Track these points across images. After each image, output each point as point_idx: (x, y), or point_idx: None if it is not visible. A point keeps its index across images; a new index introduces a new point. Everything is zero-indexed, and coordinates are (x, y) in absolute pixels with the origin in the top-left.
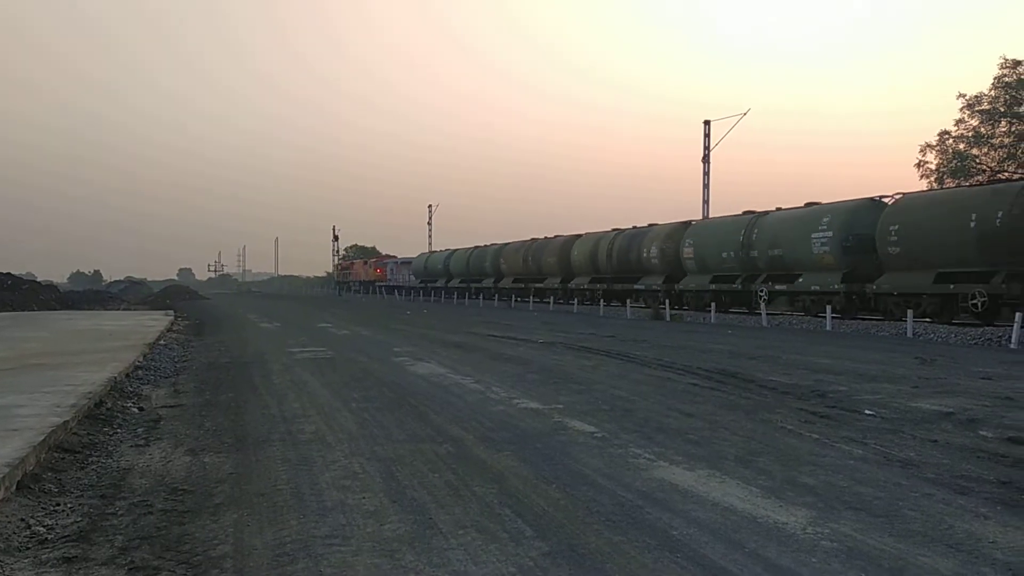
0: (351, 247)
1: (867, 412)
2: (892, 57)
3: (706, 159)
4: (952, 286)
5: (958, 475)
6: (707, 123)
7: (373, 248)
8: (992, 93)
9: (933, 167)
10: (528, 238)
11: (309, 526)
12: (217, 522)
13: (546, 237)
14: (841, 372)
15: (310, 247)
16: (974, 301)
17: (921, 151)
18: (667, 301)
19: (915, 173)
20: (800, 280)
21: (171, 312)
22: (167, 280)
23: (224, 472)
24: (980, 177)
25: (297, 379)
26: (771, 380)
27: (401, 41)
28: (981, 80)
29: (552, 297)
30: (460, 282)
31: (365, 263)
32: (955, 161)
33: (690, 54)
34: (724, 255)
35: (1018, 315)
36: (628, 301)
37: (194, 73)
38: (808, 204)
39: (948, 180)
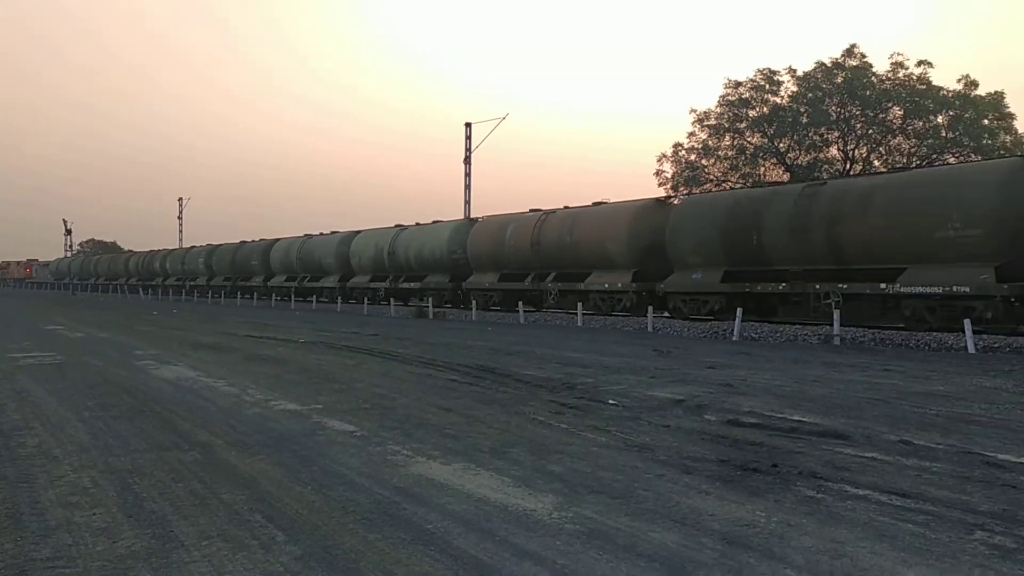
0: (88, 241)
1: (611, 402)
2: (638, 75)
3: (467, 160)
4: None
5: (686, 456)
6: (468, 125)
7: (114, 243)
8: (718, 110)
9: (669, 175)
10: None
11: (28, 549)
12: None
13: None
14: (589, 365)
15: (37, 243)
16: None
17: (659, 160)
18: (430, 300)
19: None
20: (427, 279)
21: None
22: None
23: None
24: (709, 185)
25: (18, 388)
26: (526, 374)
27: (167, 38)
28: (710, 97)
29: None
30: (78, 279)
31: (19, 264)
32: (687, 171)
33: (454, 59)
34: (378, 257)
35: (739, 311)
36: (366, 299)
37: None
38: (434, 221)
39: (682, 187)
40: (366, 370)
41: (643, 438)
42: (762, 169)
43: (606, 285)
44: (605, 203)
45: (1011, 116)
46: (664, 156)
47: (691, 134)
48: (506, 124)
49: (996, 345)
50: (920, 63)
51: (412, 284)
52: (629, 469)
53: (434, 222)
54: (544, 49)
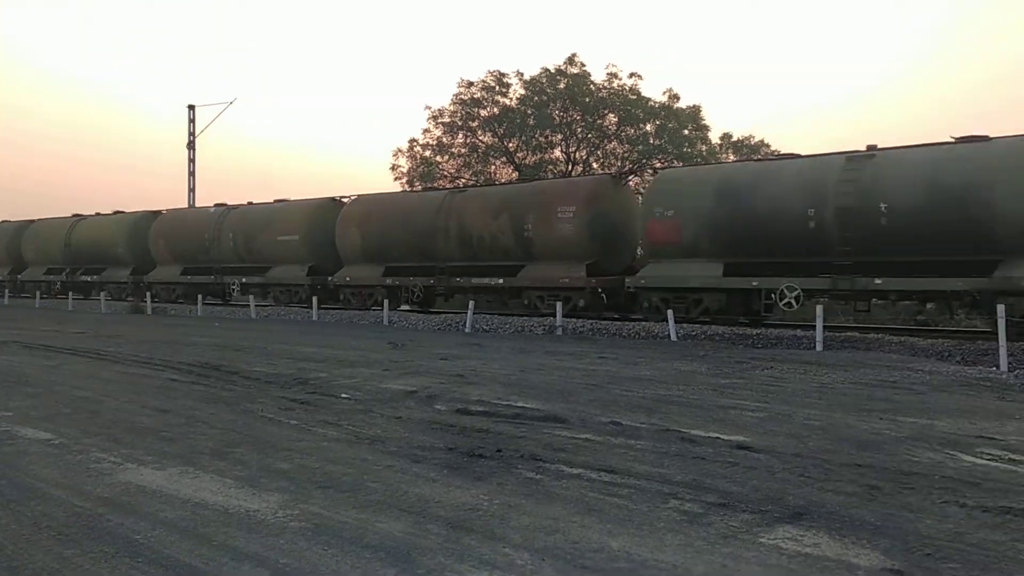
0: None
1: (344, 396)
2: (378, 68)
3: (191, 145)
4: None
5: (416, 446)
6: (192, 108)
7: None
8: (452, 108)
9: (405, 170)
10: None
11: None
12: None
13: None
14: (323, 359)
15: None
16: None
17: (394, 155)
18: (148, 293)
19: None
20: (106, 271)
21: None
22: None
23: None
24: (442, 181)
25: None
26: (255, 371)
27: None
28: (445, 95)
29: None
30: None
31: None
32: (422, 166)
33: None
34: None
35: (471, 303)
36: (103, 294)
37: None
38: (116, 212)
39: (417, 182)
40: (68, 371)
41: (374, 430)
42: (493, 167)
43: (286, 279)
44: (286, 201)
45: (706, 128)
46: (400, 151)
47: (426, 131)
48: (243, 113)
49: (694, 333)
50: (632, 75)
51: (91, 277)
52: (359, 462)
53: (115, 212)
54: (282, 43)
